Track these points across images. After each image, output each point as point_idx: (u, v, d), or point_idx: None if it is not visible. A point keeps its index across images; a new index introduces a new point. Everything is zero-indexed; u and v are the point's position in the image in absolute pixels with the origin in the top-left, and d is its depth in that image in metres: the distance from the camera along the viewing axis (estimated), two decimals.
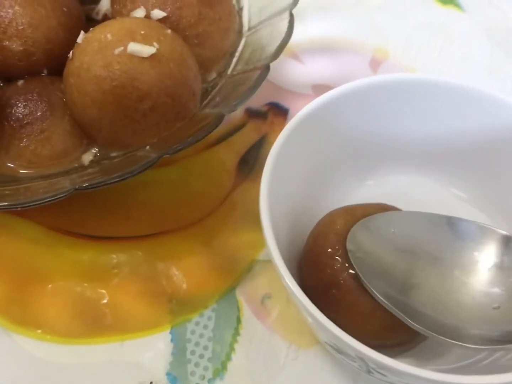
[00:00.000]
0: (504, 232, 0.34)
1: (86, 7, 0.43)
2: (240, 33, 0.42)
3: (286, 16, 0.38)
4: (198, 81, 0.37)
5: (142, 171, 0.33)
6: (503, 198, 0.38)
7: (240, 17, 0.42)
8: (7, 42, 0.37)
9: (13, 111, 0.37)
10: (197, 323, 0.38)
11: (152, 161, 0.33)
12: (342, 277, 0.33)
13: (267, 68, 0.36)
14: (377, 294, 0.32)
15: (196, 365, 0.37)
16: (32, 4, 0.37)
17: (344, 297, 0.33)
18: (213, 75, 0.41)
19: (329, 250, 0.34)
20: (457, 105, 0.38)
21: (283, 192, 0.35)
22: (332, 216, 0.36)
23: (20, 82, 0.38)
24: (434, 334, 0.31)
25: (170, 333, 0.38)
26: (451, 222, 0.35)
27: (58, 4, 0.38)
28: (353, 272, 0.33)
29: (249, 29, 0.42)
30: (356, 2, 0.55)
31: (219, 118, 0.34)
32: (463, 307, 0.32)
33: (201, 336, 0.38)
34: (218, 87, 0.39)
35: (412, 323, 0.31)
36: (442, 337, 0.30)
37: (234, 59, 0.40)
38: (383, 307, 0.32)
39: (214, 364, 0.37)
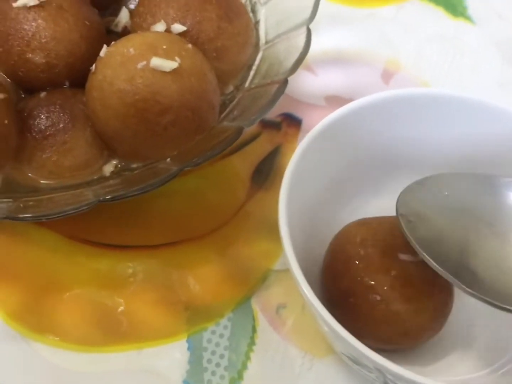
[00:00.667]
0: None
1: (105, 19, 0.43)
2: (257, 46, 0.42)
3: (303, 31, 0.39)
4: (217, 95, 0.38)
5: (164, 183, 0.33)
6: None
7: (257, 30, 0.43)
8: (30, 54, 0.38)
9: (35, 123, 0.37)
10: (213, 332, 0.39)
11: (174, 173, 0.33)
12: (359, 286, 0.34)
13: (285, 82, 0.37)
14: (431, 260, 0.31)
15: (213, 373, 0.38)
16: (55, 17, 0.38)
17: (360, 305, 0.34)
18: (231, 88, 0.41)
19: (347, 261, 0.35)
20: (470, 119, 0.39)
21: (300, 204, 0.36)
22: (349, 228, 0.37)
23: (43, 94, 0.38)
24: (494, 301, 0.30)
25: (187, 341, 0.39)
26: (506, 184, 0.34)
27: (80, 18, 0.39)
28: (371, 282, 0.33)
29: (266, 42, 0.42)
30: (368, 14, 0.56)
31: (239, 132, 0.35)
32: None
33: (217, 345, 0.39)
34: (236, 100, 0.39)
35: (470, 290, 0.31)
36: (493, 301, 0.30)
37: (251, 73, 0.41)
38: (398, 314, 0.33)
39: (230, 372, 0.38)
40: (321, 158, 0.37)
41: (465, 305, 0.36)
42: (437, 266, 0.31)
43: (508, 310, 0.30)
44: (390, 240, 0.35)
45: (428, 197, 0.34)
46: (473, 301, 0.31)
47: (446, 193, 0.34)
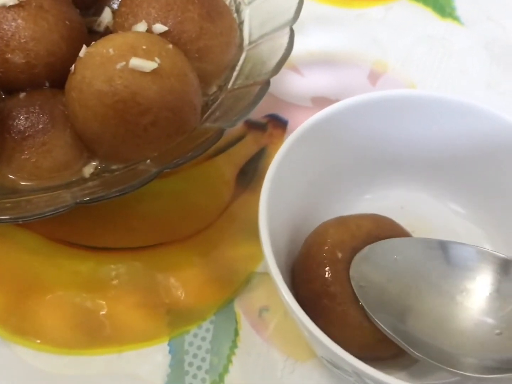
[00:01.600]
0: (504, 256, 0.34)
1: (88, 19, 0.43)
2: (240, 47, 0.42)
3: (286, 32, 0.39)
4: (199, 96, 0.38)
5: (143, 185, 0.33)
6: (501, 214, 0.39)
7: (241, 31, 0.43)
8: (9, 54, 0.37)
9: (14, 123, 0.37)
10: (195, 335, 0.39)
11: (153, 175, 0.33)
12: (333, 288, 0.34)
13: (267, 83, 0.37)
14: (380, 324, 0.32)
15: (194, 377, 0.37)
16: (34, 17, 0.37)
17: (335, 307, 0.33)
18: (214, 88, 0.41)
19: (321, 260, 0.34)
20: (455, 120, 0.38)
21: (283, 205, 0.35)
22: (325, 226, 0.36)
23: (22, 95, 0.38)
24: (436, 363, 0.31)
25: (168, 344, 0.38)
26: (451, 247, 0.35)
27: (61, 18, 0.38)
28: (345, 283, 0.33)
29: (250, 43, 0.42)
30: (356, 15, 0.55)
31: (219, 133, 0.34)
32: (465, 334, 0.32)
33: (199, 348, 0.38)
34: (218, 101, 0.39)
35: (414, 352, 0.31)
36: (444, 366, 0.31)
37: (235, 73, 0.40)
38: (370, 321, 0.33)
39: (211, 376, 0.37)
40: (304, 159, 0.37)
41: None
42: (385, 328, 0.32)
43: (449, 371, 0.31)
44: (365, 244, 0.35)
45: (379, 262, 0.34)
46: None
47: (396, 257, 0.34)
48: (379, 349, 0.34)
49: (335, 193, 0.40)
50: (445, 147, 0.39)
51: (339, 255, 0.34)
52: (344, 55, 0.53)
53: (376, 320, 0.32)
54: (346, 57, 0.53)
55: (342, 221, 0.36)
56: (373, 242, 0.35)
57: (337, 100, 0.40)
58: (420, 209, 0.41)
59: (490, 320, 0.32)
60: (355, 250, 0.34)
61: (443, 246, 0.35)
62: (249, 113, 0.36)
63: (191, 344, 0.38)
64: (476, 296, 0.33)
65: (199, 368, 0.38)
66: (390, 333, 0.32)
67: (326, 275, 0.34)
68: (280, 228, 0.35)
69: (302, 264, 0.36)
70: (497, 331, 0.32)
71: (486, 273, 0.34)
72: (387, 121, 0.39)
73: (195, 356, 0.38)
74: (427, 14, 0.56)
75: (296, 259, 0.37)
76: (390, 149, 0.40)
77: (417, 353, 0.31)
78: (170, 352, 0.38)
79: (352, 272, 0.34)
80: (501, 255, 0.34)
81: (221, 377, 0.37)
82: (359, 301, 0.33)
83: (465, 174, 0.40)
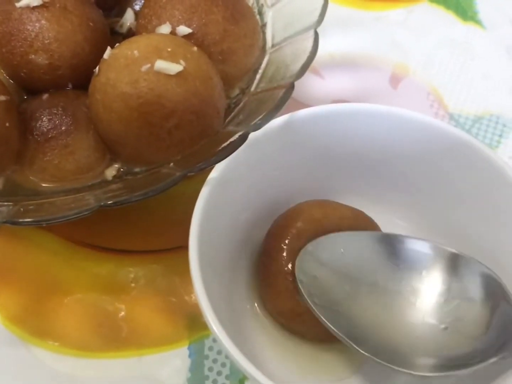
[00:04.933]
0: (452, 250, 0.34)
1: (110, 20, 0.43)
2: (263, 49, 0.41)
3: (311, 35, 0.38)
4: (223, 99, 0.37)
5: (168, 188, 0.33)
6: (446, 228, 0.38)
7: (264, 33, 0.42)
8: (33, 55, 0.37)
9: (37, 125, 0.37)
10: (215, 340, 0.39)
11: (177, 178, 0.33)
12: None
13: (291, 87, 0.36)
14: (324, 319, 0.32)
15: (214, 382, 0.37)
16: (58, 18, 0.37)
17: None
18: (236, 91, 0.41)
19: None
20: (391, 132, 0.38)
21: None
22: (301, 206, 0.37)
23: (45, 96, 0.38)
24: (382, 362, 0.31)
25: (188, 349, 0.38)
26: (398, 241, 0.35)
27: (84, 19, 0.38)
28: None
29: (273, 45, 0.41)
30: (377, 17, 0.55)
31: (244, 137, 0.34)
32: (412, 328, 0.32)
33: (219, 353, 0.38)
34: (241, 104, 0.39)
35: (360, 350, 0.31)
36: (391, 365, 0.30)
37: (258, 76, 0.40)
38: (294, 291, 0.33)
39: (231, 381, 0.37)
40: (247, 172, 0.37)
41: None
42: (330, 326, 0.32)
43: (396, 370, 0.30)
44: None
45: (324, 256, 0.35)
46: None
47: (342, 251, 0.35)
48: (296, 322, 0.35)
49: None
50: (388, 161, 0.39)
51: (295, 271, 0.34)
52: (365, 58, 0.52)
53: (320, 316, 0.32)
54: (367, 60, 0.52)
55: (323, 205, 0.37)
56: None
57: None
58: None
59: (436, 315, 0.32)
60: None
61: (393, 240, 0.35)
62: (273, 117, 0.35)
63: (211, 349, 0.38)
64: (423, 291, 0.33)
65: (219, 373, 0.37)
66: (334, 329, 0.32)
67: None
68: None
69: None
70: (443, 326, 0.32)
71: (434, 267, 0.34)
72: (326, 136, 0.38)
73: (215, 361, 0.38)
74: (449, 17, 0.55)
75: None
76: (331, 165, 0.40)
77: (362, 351, 0.31)
78: (189, 356, 0.38)
79: (296, 268, 0.34)
80: (450, 249, 0.34)
81: (241, 382, 0.37)
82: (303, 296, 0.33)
83: (410, 188, 0.39)
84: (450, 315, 0.32)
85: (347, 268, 0.34)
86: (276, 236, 0.36)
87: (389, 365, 0.31)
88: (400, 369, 0.30)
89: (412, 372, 0.30)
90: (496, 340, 0.31)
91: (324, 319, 0.32)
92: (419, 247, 0.35)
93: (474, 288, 0.33)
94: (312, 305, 0.33)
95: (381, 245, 0.35)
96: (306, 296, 0.33)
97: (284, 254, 0.35)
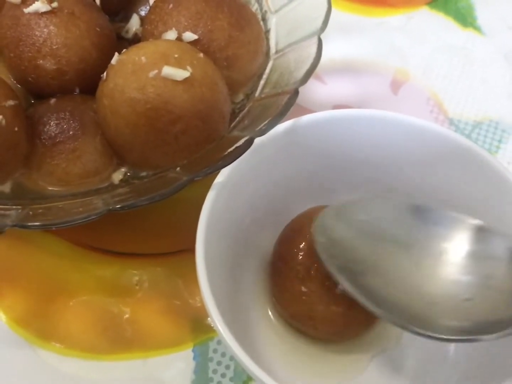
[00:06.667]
0: (476, 222, 0.34)
1: (116, 25, 0.43)
2: (267, 55, 0.42)
3: (314, 41, 0.39)
4: (228, 104, 0.38)
5: (175, 193, 0.33)
6: None
7: (268, 39, 0.43)
8: (41, 60, 0.37)
9: (45, 129, 0.37)
10: (219, 342, 0.39)
11: (184, 183, 0.33)
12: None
13: (296, 92, 0.37)
14: (340, 278, 0.32)
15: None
16: (66, 24, 0.38)
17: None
18: (241, 97, 0.41)
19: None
20: (393, 137, 0.38)
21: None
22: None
23: (53, 101, 0.38)
24: (404, 324, 0.30)
25: (193, 351, 0.39)
26: (422, 210, 0.35)
27: (91, 24, 0.38)
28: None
29: (277, 52, 0.42)
30: (378, 23, 0.56)
31: (249, 142, 0.34)
32: (434, 298, 0.32)
33: (223, 355, 0.39)
34: (246, 109, 0.39)
35: (382, 313, 0.31)
36: (412, 327, 0.30)
37: (262, 82, 0.40)
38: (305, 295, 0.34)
39: (236, 383, 0.37)
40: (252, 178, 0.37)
41: None
42: (351, 289, 0.32)
43: (417, 332, 0.30)
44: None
45: (345, 222, 0.35)
46: None
47: (364, 218, 0.35)
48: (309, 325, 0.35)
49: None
50: (388, 165, 0.39)
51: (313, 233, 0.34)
52: (365, 63, 0.53)
53: (335, 274, 0.32)
54: (368, 65, 0.53)
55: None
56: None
57: (359, 108, 0.41)
58: None
59: (462, 283, 0.32)
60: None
61: (418, 210, 0.35)
62: (278, 122, 0.36)
63: (215, 351, 0.39)
64: (447, 260, 0.33)
65: (223, 375, 0.38)
66: (352, 290, 0.32)
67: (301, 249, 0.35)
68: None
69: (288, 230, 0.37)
70: (467, 296, 0.31)
71: (460, 238, 0.33)
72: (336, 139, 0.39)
73: (219, 363, 0.38)
74: (448, 23, 0.56)
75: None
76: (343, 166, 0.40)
77: (381, 312, 0.31)
78: (194, 358, 0.38)
79: (316, 234, 0.34)
80: (474, 220, 0.34)
81: None
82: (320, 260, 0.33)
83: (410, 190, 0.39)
84: (476, 281, 0.32)
85: (369, 232, 0.34)
86: (289, 241, 0.36)
87: (410, 327, 0.30)
88: (420, 330, 0.30)
89: (433, 334, 0.30)
90: None
91: (342, 281, 0.32)
92: (442, 216, 0.34)
93: (499, 256, 0.32)
94: (330, 267, 0.32)
95: (404, 213, 0.35)
96: (322, 258, 0.33)
97: (299, 258, 0.35)
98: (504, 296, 0.31)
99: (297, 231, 0.37)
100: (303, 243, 0.36)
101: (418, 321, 0.30)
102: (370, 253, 0.33)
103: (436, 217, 0.34)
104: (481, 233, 0.33)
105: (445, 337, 0.30)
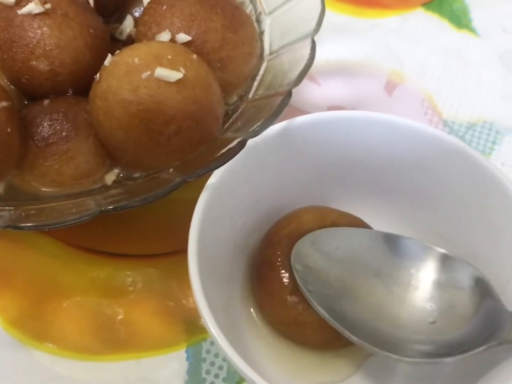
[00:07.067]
0: (442, 250, 0.35)
1: (110, 26, 0.43)
2: (261, 57, 0.42)
3: (308, 43, 0.39)
4: (221, 106, 0.38)
5: (168, 194, 0.33)
6: (440, 233, 0.39)
7: (261, 41, 0.43)
8: (34, 62, 0.37)
9: (38, 130, 0.37)
10: (212, 343, 0.39)
11: (176, 184, 0.33)
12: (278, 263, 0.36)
13: (289, 94, 0.37)
14: (320, 309, 0.33)
15: None
16: (60, 25, 0.38)
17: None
18: (234, 98, 0.41)
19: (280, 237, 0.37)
20: (386, 139, 0.38)
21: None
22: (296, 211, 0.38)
23: (46, 102, 0.38)
24: (374, 348, 0.32)
25: (186, 352, 0.39)
26: (392, 240, 0.36)
27: (85, 26, 0.38)
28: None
29: (271, 53, 0.42)
30: (373, 25, 0.56)
31: (243, 144, 0.34)
32: (402, 322, 0.33)
33: (216, 356, 0.39)
34: (239, 111, 0.39)
35: (353, 337, 0.32)
36: (381, 351, 0.32)
37: (255, 83, 0.40)
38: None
39: None
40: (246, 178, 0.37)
41: None
42: (324, 314, 0.33)
43: (386, 355, 0.32)
44: None
45: (319, 250, 0.36)
46: None
47: (336, 246, 0.36)
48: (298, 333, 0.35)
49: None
50: (383, 167, 0.40)
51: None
52: (360, 65, 0.53)
53: (314, 303, 0.33)
54: (363, 66, 0.53)
55: (318, 210, 0.38)
56: None
57: (353, 110, 0.41)
58: None
59: (427, 308, 0.34)
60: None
61: (386, 238, 0.36)
62: (271, 124, 0.36)
63: (208, 352, 0.39)
64: (415, 285, 0.35)
65: (216, 376, 0.38)
66: (327, 315, 0.33)
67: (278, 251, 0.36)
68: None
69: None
70: (431, 319, 0.33)
71: (427, 264, 0.35)
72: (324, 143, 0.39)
73: (212, 364, 0.38)
74: (443, 25, 0.56)
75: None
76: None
77: (353, 337, 0.32)
78: (187, 359, 0.38)
79: (293, 261, 0.35)
80: (440, 249, 0.36)
81: None
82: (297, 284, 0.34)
83: (406, 191, 0.40)
84: (440, 307, 0.34)
85: (342, 260, 0.35)
86: (273, 244, 0.37)
87: (380, 351, 0.32)
88: (391, 355, 0.31)
89: (402, 358, 0.32)
90: (482, 331, 0.32)
91: (318, 307, 0.33)
92: (411, 245, 0.36)
93: (462, 284, 0.34)
94: (307, 293, 0.34)
95: (375, 242, 0.36)
96: (301, 285, 0.34)
97: (284, 262, 0.35)
98: (464, 322, 0.33)
99: (279, 234, 0.37)
100: (286, 245, 0.36)
101: (387, 344, 0.32)
102: (343, 279, 0.35)
103: (406, 246, 0.36)
104: (447, 262, 0.35)
105: (410, 360, 0.32)
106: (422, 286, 0.35)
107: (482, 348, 0.31)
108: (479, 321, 0.32)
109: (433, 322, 0.33)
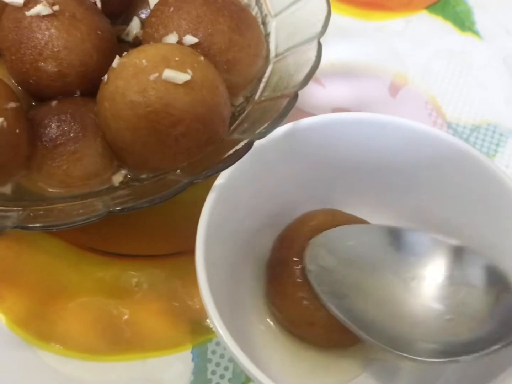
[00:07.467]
0: (456, 243, 0.35)
1: (116, 28, 0.43)
2: (267, 59, 0.42)
3: (314, 45, 0.39)
4: (228, 107, 0.38)
5: (175, 195, 0.33)
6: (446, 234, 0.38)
7: (267, 43, 0.43)
8: (42, 63, 0.38)
9: (46, 131, 0.37)
10: (217, 343, 0.39)
11: (183, 185, 0.34)
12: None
13: (295, 96, 0.37)
14: (331, 307, 0.33)
15: None
16: (68, 27, 0.38)
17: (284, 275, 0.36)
18: (240, 100, 0.41)
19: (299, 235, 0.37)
20: (391, 141, 0.39)
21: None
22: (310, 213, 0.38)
23: (54, 103, 0.38)
24: (387, 347, 0.32)
25: (191, 352, 0.39)
26: (406, 234, 0.36)
27: (93, 27, 0.39)
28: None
29: (276, 55, 0.42)
30: (377, 27, 0.56)
31: (249, 145, 0.35)
32: (416, 319, 0.33)
33: (221, 356, 0.39)
34: (245, 112, 0.39)
35: (364, 335, 0.32)
36: (394, 350, 0.31)
37: (261, 85, 0.41)
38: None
39: None
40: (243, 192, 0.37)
41: None
42: (337, 313, 0.33)
43: (400, 355, 0.31)
44: None
45: (333, 247, 0.36)
46: None
47: (350, 243, 0.36)
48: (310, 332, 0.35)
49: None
50: (385, 169, 0.40)
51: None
52: (364, 67, 0.53)
53: (327, 303, 0.33)
54: (367, 68, 0.53)
55: (331, 212, 0.39)
56: None
57: (358, 112, 0.41)
58: None
59: (441, 306, 0.33)
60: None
61: (398, 233, 0.36)
62: (278, 125, 0.36)
63: (214, 352, 0.39)
64: (428, 282, 0.34)
65: (222, 376, 0.38)
66: (340, 316, 0.33)
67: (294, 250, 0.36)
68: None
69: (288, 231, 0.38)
70: (448, 317, 0.33)
71: (439, 260, 0.35)
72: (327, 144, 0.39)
73: (217, 364, 0.38)
74: (447, 27, 0.56)
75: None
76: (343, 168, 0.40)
77: (367, 336, 0.32)
78: (193, 360, 0.39)
79: (305, 257, 0.35)
80: (454, 242, 0.35)
81: None
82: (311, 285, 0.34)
83: (407, 191, 0.40)
84: (454, 304, 0.33)
85: (355, 258, 0.35)
86: (288, 244, 0.37)
87: (393, 350, 0.31)
88: (403, 354, 0.31)
89: (415, 357, 0.31)
90: (499, 329, 0.31)
91: (332, 308, 0.33)
92: (424, 239, 0.36)
93: (477, 278, 0.34)
94: (321, 294, 0.33)
95: (388, 237, 0.36)
96: (315, 286, 0.34)
97: (299, 264, 0.36)
98: (479, 319, 0.32)
99: (294, 235, 0.37)
100: (302, 248, 0.36)
101: (400, 344, 0.32)
102: (357, 278, 0.35)
103: (418, 240, 0.36)
104: (460, 254, 0.35)
105: (424, 359, 0.31)
106: (437, 282, 0.34)
107: (498, 346, 0.30)
108: (495, 318, 0.32)
109: (450, 319, 0.33)
